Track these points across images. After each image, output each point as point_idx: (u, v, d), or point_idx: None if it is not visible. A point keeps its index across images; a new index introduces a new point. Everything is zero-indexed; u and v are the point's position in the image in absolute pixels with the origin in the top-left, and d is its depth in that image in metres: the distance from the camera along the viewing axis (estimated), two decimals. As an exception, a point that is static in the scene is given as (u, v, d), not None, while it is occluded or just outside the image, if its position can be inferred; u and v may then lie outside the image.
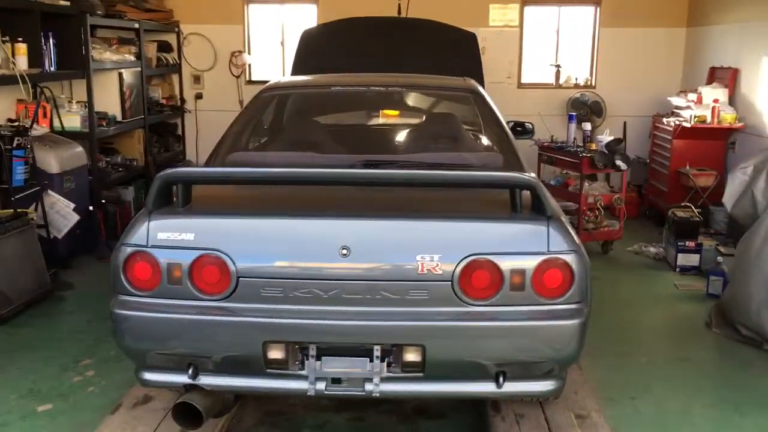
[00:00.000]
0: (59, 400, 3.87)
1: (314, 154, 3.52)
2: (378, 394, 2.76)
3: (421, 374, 2.77)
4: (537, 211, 2.77)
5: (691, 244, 6.11)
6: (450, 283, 2.70)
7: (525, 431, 3.41)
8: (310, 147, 3.65)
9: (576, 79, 8.83)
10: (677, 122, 7.40)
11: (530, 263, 2.70)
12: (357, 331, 2.72)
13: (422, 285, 2.70)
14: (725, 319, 4.90)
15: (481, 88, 4.21)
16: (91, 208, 6.37)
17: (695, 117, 7.15)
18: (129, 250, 2.81)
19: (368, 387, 2.76)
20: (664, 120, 7.82)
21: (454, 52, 6.32)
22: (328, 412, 3.73)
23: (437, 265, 2.69)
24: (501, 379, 2.76)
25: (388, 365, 2.76)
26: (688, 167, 7.31)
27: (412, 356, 2.73)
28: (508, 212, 2.80)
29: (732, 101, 7.35)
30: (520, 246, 2.72)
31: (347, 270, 2.72)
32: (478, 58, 6.36)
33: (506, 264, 2.70)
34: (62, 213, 5.86)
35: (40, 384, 4.04)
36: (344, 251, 2.70)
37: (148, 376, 2.93)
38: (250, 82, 9.12)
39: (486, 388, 2.80)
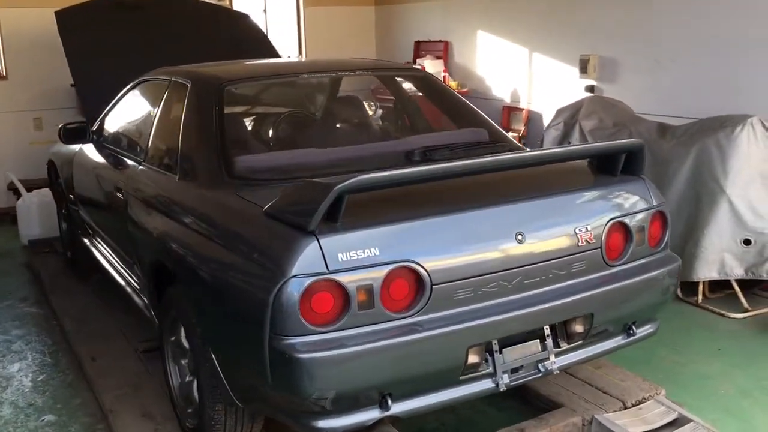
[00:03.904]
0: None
1: (350, 147, 3.25)
2: (557, 371, 2.78)
3: (581, 342, 2.88)
4: (629, 172, 3.05)
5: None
6: (599, 249, 2.84)
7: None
8: (312, 142, 3.32)
9: (289, 56, 8.95)
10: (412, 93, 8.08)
11: (646, 218, 2.97)
12: (539, 314, 2.69)
13: (581, 256, 2.79)
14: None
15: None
16: None
17: (431, 86, 7.92)
18: (304, 281, 2.31)
19: (542, 367, 2.77)
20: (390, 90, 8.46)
21: (240, 35, 6.01)
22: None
23: (591, 234, 2.81)
24: (633, 329, 3.01)
25: (554, 341, 2.81)
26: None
27: (579, 327, 2.82)
28: (611, 177, 3.02)
29: (448, 70, 8.32)
30: (637, 204, 2.97)
31: (525, 255, 2.66)
32: (267, 39, 6.15)
33: (633, 223, 2.93)
34: None
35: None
36: (519, 237, 2.65)
37: (327, 423, 2.44)
38: None
39: (621, 340, 3.03)
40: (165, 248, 3.15)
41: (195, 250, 2.87)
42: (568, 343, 2.85)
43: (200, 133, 3.25)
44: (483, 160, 2.73)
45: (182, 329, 3.11)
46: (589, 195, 2.92)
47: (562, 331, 2.82)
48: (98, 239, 4.68)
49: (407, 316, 2.48)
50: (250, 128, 3.68)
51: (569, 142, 5.58)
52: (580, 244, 2.79)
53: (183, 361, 3.22)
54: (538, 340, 2.76)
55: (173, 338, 3.26)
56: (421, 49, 8.73)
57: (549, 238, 2.74)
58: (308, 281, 2.32)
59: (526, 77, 7.44)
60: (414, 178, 2.52)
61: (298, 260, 2.32)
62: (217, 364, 2.78)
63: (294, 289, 2.31)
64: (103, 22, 5.60)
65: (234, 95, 3.59)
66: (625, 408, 3.45)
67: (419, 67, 7.28)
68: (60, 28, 5.53)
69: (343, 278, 2.36)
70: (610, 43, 6.43)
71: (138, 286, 3.80)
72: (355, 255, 2.37)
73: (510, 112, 7.61)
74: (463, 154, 3.25)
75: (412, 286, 2.48)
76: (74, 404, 3.79)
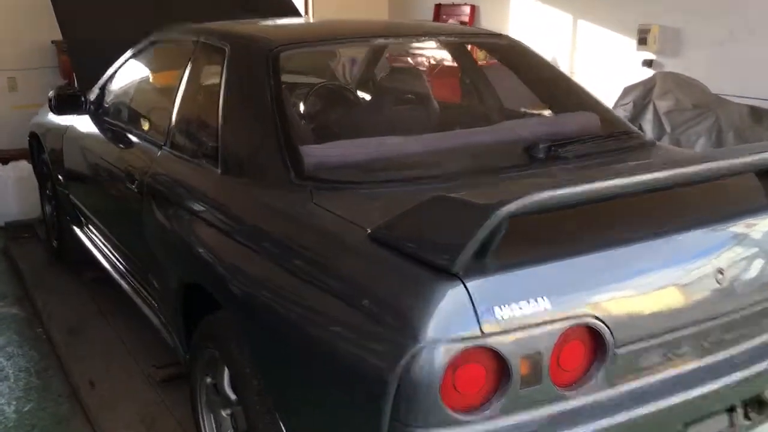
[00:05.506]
0: None
1: (441, 135, 2.48)
2: (747, 455, 2.07)
3: None
4: None
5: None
6: None
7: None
8: (389, 127, 2.54)
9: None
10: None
11: None
12: (745, 383, 1.96)
13: None
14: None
15: None
16: None
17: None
18: (449, 349, 1.55)
19: None
20: (410, 60, 7.66)
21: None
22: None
23: None
24: None
25: (744, 412, 2.08)
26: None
27: None
28: None
29: (475, 37, 7.52)
30: None
31: (726, 301, 1.92)
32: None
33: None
34: None
35: None
36: (719, 274, 1.90)
37: None
38: None
39: None
40: (204, 267, 2.36)
41: (256, 278, 2.09)
42: (758, 414, 2.13)
43: (251, 114, 2.45)
44: (703, 167, 1.91)
45: (226, 373, 2.34)
46: None
47: (753, 400, 2.10)
48: (94, 230, 3.86)
49: (581, 393, 1.73)
50: (311, 109, 2.86)
51: (640, 125, 4.84)
52: None
53: (224, 413, 2.45)
54: (725, 413, 2.04)
55: (209, 380, 2.49)
56: (442, 13, 7.87)
57: (752, 276, 1.99)
58: (454, 349, 1.55)
59: (569, 48, 6.66)
60: (610, 194, 1.72)
61: (437, 317, 1.55)
62: None
63: (432, 360, 1.54)
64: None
65: (289, 64, 2.77)
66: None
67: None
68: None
69: (502, 343, 1.60)
70: (674, 10, 5.65)
71: (153, 301, 3.02)
72: (518, 309, 1.61)
73: (548, 85, 6.84)
74: (594, 148, 2.50)
75: (588, 351, 1.73)
76: (71, 447, 3.02)
